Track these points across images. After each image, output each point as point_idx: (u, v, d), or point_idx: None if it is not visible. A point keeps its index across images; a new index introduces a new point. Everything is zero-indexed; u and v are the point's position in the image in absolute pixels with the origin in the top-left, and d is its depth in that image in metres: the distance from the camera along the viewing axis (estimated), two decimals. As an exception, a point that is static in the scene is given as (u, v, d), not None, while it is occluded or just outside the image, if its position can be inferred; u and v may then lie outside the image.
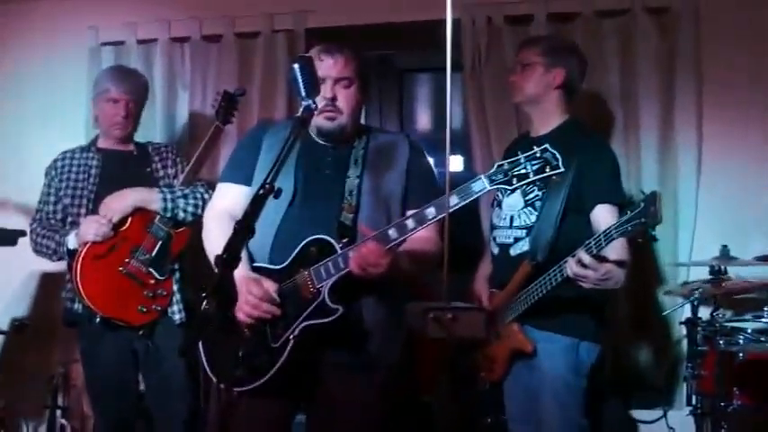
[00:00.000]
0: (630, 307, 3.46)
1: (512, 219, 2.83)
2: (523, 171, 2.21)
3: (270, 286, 2.27)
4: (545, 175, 2.21)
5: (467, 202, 2.25)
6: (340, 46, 2.44)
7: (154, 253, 3.08)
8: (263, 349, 2.29)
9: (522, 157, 2.21)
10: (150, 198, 3.08)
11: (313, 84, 2.03)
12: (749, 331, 3.02)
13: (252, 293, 2.24)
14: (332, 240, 2.29)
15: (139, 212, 3.08)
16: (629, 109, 3.54)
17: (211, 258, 2.35)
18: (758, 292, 3.04)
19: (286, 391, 2.35)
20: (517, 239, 2.80)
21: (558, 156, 2.19)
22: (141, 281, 3.06)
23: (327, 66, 2.38)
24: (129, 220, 3.07)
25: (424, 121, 4.42)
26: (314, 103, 2.05)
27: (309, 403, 2.47)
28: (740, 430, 2.88)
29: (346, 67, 2.40)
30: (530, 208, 2.78)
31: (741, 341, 2.95)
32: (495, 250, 2.90)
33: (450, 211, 2.22)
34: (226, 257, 1.78)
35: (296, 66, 2.02)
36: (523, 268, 2.71)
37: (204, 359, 2.37)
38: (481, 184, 2.24)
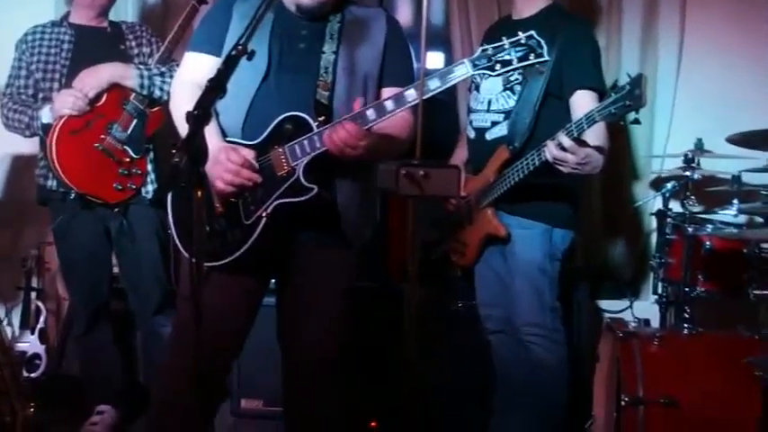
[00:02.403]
0: (603, 198, 3.51)
1: (489, 102, 2.81)
2: (507, 57, 2.16)
3: (248, 153, 2.24)
4: (529, 62, 2.17)
5: (448, 86, 2.21)
6: None
7: (129, 130, 3.06)
8: (236, 225, 2.27)
9: (506, 42, 2.16)
10: (126, 74, 3.03)
11: None
12: (718, 222, 3.07)
13: (231, 161, 2.20)
14: (308, 118, 2.25)
15: (115, 89, 3.04)
16: (612, -1, 3.50)
17: (180, 125, 2.32)
18: (727, 184, 3.07)
19: (257, 267, 2.36)
20: (494, 123, 2.79)
21: (542, 43, 2.15)
22: (117, 158, 3.04)
23: None
24: (105, 96, 3.03)
25: (405, 13, 4.31)
26: None
27: (281, 281, 2.49)
28: (702, 316, 2.95)
29: None
30: (508, 92, 2.75)
31: (709, 229, 2.99)
32: (472, 134, 2.89)
33: (431, 94, 2.20)
34: (197, 113, 1.75)
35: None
36: (500, 153, 2.71)
37: (175, 233, 2.36)
38: (464, 68, 2.20)
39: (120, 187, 3.04)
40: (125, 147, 3.05)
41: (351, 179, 2.36)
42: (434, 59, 4.02)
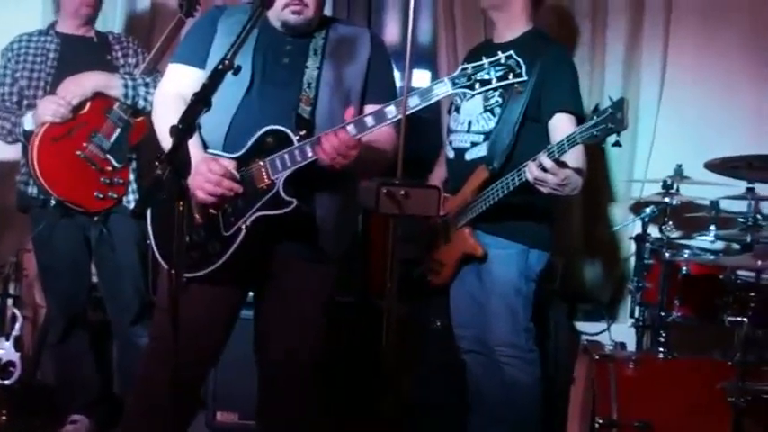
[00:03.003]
0: (583, 221, 3.54)
1: (470, 124, 2.84)
2: (486, 77, 2.19)
3: (229, 164, 2.25)
4: (507, 82, 2.20)
5: (428, 104, 2.24)
6: None
7: (112, 140, 3.06)
8: (215, 236, 2.28)
9: (486, 62, 2.19)
10: (111, 83, 3.04)
11: None
12: (695, 248, 3.10)
13: (212, 171, 2.21)
14: (289, 132, 2.27)
15: (99, 98, 3.04)
16: (597, 25, 3.54)
17: (163, 137, 2.34)
18: (706, 210, 3.11)
19: (235, 279, 2.37)
20: (474, 144, 2.82)
21: (521, 64, 2.19)
22: (99, 167, 3.04)
23: None
24: (89, 104, 3.03)
25: (393, 33, 4.35)
26: None
27: (259, 293, 2.49)
28: (677, 340, 2.98)
29: None
30: (489, 113, 2.79)
31: (686, 254, 3.02)
32: (451, 155, 2.92)
33: (411, 111, 2.22)
34: (181, 127, 1.76)
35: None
36: (479, 173, 2.74)
37: (154, 243, 2.37)
38: (444, 87, 2.22)
39: (100, 196, 3.04)
40: (107, 156, 3.05)
41: (330, 193, 2.37)
42: (421, 78, 4.06)
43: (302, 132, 2.28)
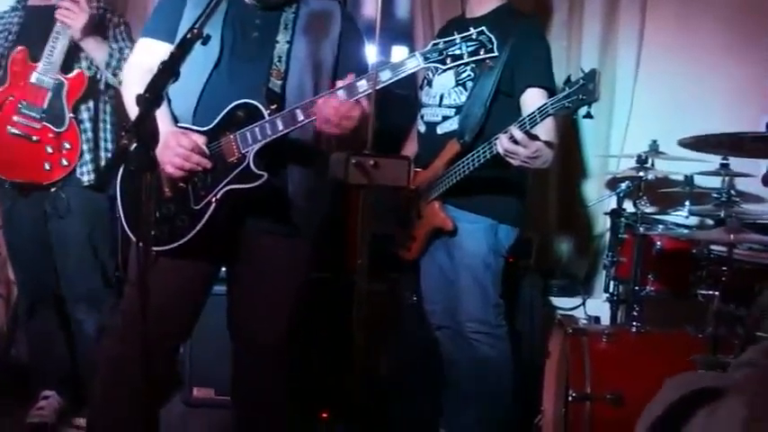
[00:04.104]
0: (558, 196, 3.54)
1: (441, 97, 2.84)
2: (458, 52, 2.20)
3: (198, 138, 2.23)
4: (479, 57, 2.20)
5: (399, 77, 2.23)
6: None
7: (45, 105, 2.91)
8: (184, 210, 2.27)
9: (458, 37, 2.19)
10: (101, 46, 2.92)
11: None
12: (669, 223, 3.12)
13: (182, 145, 2.19)
14: (260, 106, 2.25)
15: (17, 67, 2.91)
16: (574, 0, 3.53)
17: (131, 109, 2.31)
18: (680, 186, 3.12)
19: (206, 253, 2.35)
20: (445, 118, 2.82)
21: (493, 39, 2.19)
22: (36, 138, 2.90)
23: None
24: (8, 77, 2.92)
25: (370, 7, 4.32)
26: None
27: (231, 270, 2.48)
28: (651, 314, 3.00)
29: None
30: (460, 87, 2.79)
31: (660, 229, 3.04)
32: (422, 129, 2.92)
33: (382, 86, 2.21)
34: (148, 96, 1.73)
35: None
36: (450, 146, 2.73)
37: (123, 217, 2.34)
38: (415, 61, 2.22)
39: (48, 167, 2.91)
40: (44, 123, 2.90)
41: (302, 168, 2.36)
42: (398, 54, 4.04)
43: (273, 106, 2.27)
